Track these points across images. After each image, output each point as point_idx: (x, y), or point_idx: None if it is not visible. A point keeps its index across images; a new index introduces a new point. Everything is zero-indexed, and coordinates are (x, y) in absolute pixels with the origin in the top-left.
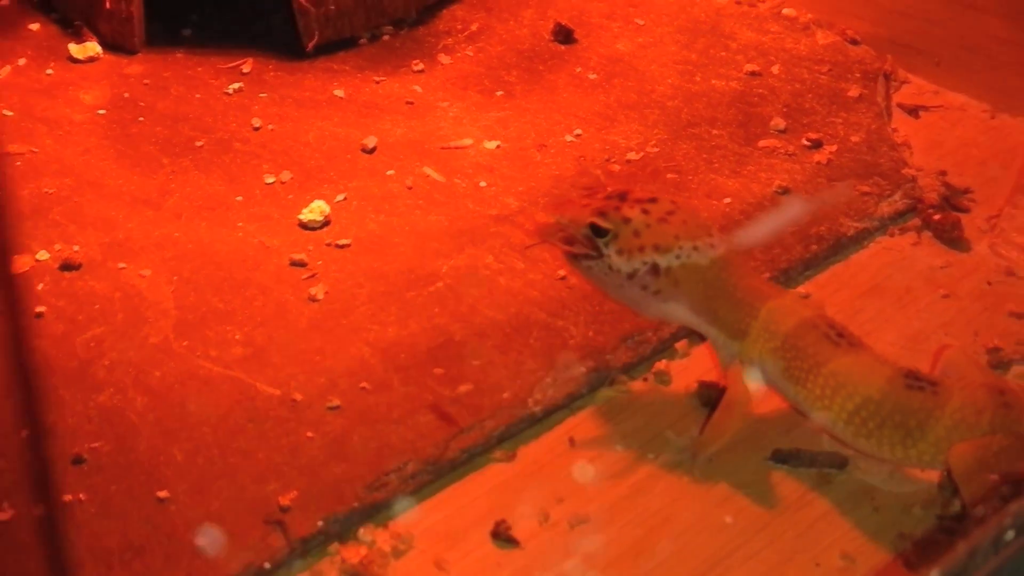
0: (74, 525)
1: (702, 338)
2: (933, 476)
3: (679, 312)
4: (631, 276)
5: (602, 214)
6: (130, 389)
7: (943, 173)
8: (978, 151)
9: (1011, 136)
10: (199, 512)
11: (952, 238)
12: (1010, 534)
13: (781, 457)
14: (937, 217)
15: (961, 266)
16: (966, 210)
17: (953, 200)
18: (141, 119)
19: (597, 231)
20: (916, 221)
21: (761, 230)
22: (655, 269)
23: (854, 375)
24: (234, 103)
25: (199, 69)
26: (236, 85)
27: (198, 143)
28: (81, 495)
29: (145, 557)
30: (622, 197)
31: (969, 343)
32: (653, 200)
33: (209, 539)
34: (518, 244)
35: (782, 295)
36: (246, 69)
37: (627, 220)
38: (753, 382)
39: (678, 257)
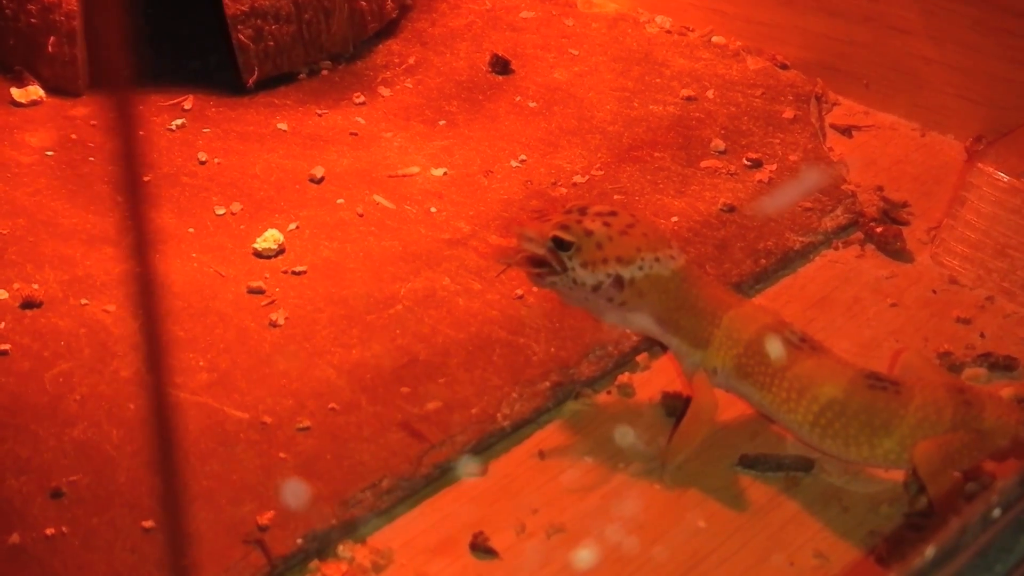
0: (59, 558)
1: (663, 349)
2: (897, 476)
3: (643, 323)
4: (596, 288)
5: (564, 227)
6: (104, 422)
7: (880, 188)
8: (912, 167)
9: (942, 152)
10: (176, 534)
11: (895, 249)
12: (996, 512)
13: (748, 462)
14: (879, 230)
15: (906, 276)
16: (906, 223)
17: (892, 213)
18: (92, 159)
19: (560, 244)
20: (859, 234)
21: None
22: (619, 281)
23: (818, 377)
24: (178, 139)
25: (140, 107)
26: (179, 121)
27: (145, 178)
28: (63, 528)
29: None
30: (582, 211)
31: (920, 348)
32: (613, 213)
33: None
34: (473, 267)
35: (742, 303)
36: (187, 106)
37: (589, 233)
38: (717, 389)
39: (640, 268)
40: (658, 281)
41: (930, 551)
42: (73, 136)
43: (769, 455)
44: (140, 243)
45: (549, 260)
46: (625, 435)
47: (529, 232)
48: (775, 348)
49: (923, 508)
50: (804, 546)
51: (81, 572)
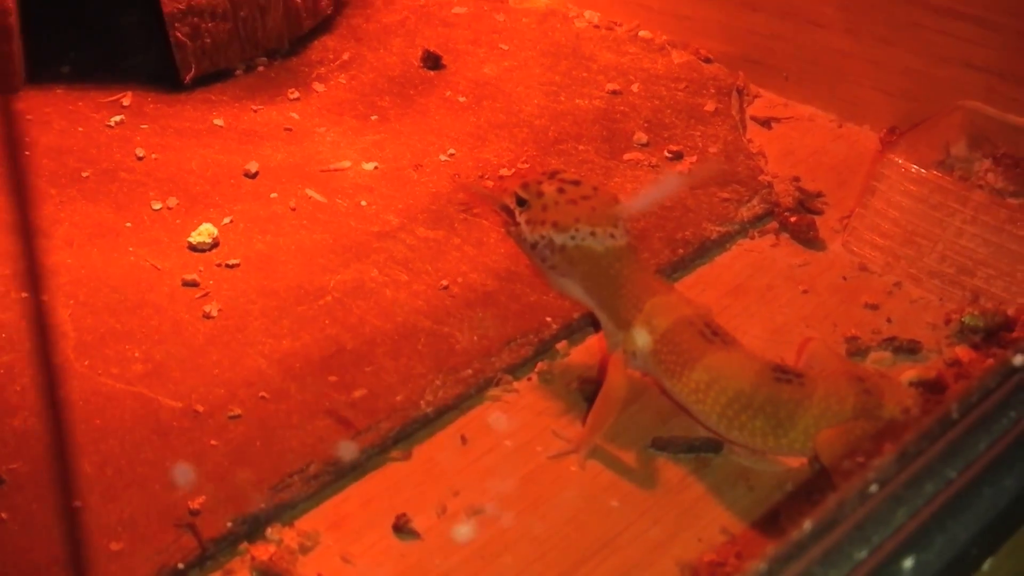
0: None
1: (581, 339)
2: (802, 459)
3: (574, 290)
4: (534, 247)
5: (525, 185)
6: (45, 411)
7: (796, 179)
8: (828, 158)
9: (858, 143)
10: (112, 519)
11: (808, 238)
12: (874, 487)
13: (661, 444)
14: (793, 219)
15: (818, 264)
16: (820, 212)
17: (807, 203)
18: (27, 153)
19: (519, 200)
20: (774, 224)
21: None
22: (551, 245)
23: (726, 371)
24: (117, 135)
25: (80, 104)
26: (117, 118)
27: (84, 174)
28: (3, 514)
29: (69, 568)
30: (552, 175)
31: (829, 333)
32: (576, 183)
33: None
34: (401, 258)
35: (668, 292)
36: (126, 102)
37: (540, 194)
38: (634, 372)
39: (572, 238)
40: (589, 254)
41: (807, 525)
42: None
43: (681, 437)
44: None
45: (511, 211)
46: (543, 420)
47: (499, 189)
48: (687, 340)
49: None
50: (712, 523)
51: (20, 557)
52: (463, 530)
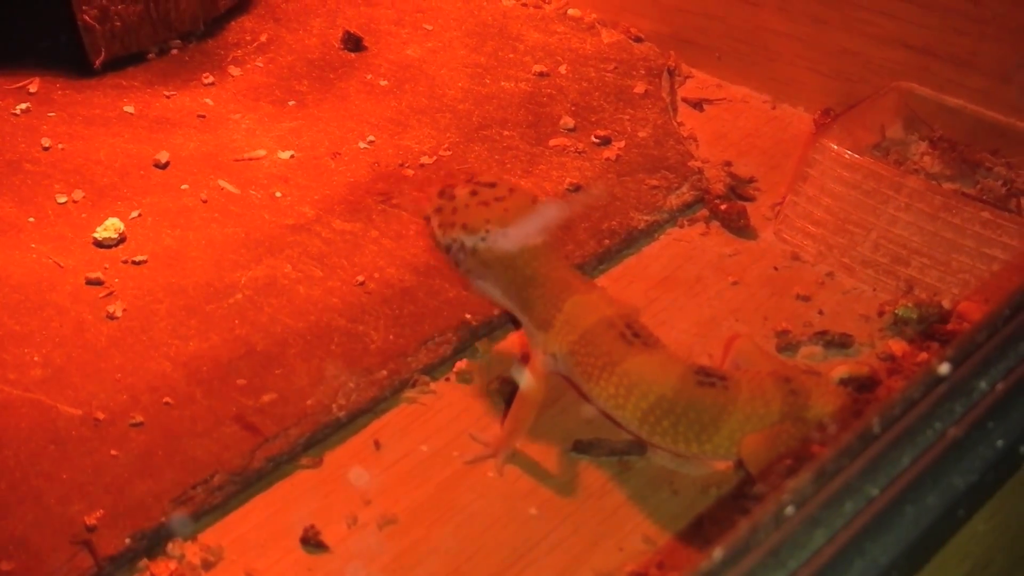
0: None
1: (502, 336)
2: (728, 462)
3: (494, 292)
4: (448, 250)
5: (441, 191)
6: None
7: (728, 164)
8: (761, 141)
9: (792, 125)
10: (3, 537)
11: (739, 227)
12: (790, 509)
13: (582, 447)
14: (724, 207)
15: (749, 253)
16: (751, 199)
17: (738, 190)
18: None
19: (437, 207)
20: (704, 212)
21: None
22: (463, 247)
23: (647, 374)
24: (22, 124)
25: None
26: (23, 105)
27: None
28: None
29: None
30: (469, 180)
31: (759, 327)
32: (491, 185)
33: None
34: (316, 253)
35: (589, 291)
36: (33, 89)
37: (452, 197)
38: (555, 374)
39: (484, 240)
40: (503, 256)
41: (718, 552)
42: None
43: (603, 440)
44: None
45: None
46: (461, 423)
47: (424, 197)
48: (606, 342)
49: (751, 491)
50: (634, 531)
51: None
52: (374, 542)
